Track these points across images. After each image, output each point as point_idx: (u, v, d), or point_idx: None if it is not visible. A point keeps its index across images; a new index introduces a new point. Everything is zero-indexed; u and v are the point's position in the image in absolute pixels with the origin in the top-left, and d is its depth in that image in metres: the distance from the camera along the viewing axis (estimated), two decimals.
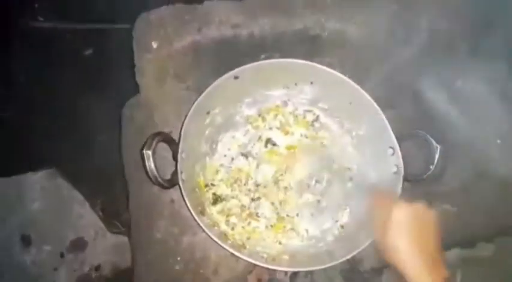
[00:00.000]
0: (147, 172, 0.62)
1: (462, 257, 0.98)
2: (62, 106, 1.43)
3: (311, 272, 0.74)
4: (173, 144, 0.69)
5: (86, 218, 1.04)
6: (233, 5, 0.71)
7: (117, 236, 1.04)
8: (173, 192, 0.75)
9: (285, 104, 0.83)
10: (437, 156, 0.68)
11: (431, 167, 0.69)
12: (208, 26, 0.69)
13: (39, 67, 1.56)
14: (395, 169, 0.72)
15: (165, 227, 0.72)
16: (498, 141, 0.87)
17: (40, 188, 1.06)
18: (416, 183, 0.81)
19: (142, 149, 0.62)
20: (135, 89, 0.93)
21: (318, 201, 0.78)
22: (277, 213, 0.77)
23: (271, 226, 0.75)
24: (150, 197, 0.76)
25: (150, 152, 0.62)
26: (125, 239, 1.01)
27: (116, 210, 1.09)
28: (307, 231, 0.76)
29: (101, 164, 1.23)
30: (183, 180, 0.67)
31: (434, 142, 0.68)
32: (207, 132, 0.78)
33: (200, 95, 0.71)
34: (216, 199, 0.75)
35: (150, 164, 0.62)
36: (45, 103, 1.44)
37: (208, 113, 0.77)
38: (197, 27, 0.68)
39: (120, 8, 1.66)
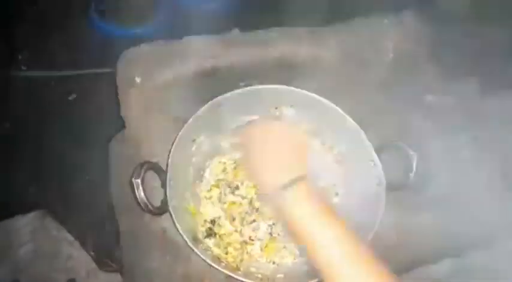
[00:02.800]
0: (137, 200, 0.64)
1: (454, 267, 0.99)
2: (48, 149, 1.45)
3: None
4: (161, 173, 0.71)
5: (76, 258, 1.03)
6: (211, 38, 0.76)
7: (110, 274, 1.03)
8: (164, 221, 0.75)
9: None
10: (415, 163, 0.71)
11: (410, 174, 0.72)
12: (187, 59, 0.73)
13: (24, 114, 1.58)
14: (377, 180, 0.75)
15: (158, 256, 0.72)
16: (472, 149, 0.91)
17: (29, 231, 1.05)
18: (402, 194, 0.84)
19: (131, 178, 0.64)
20: (121, 126, 0.96)
21: None
22: (270, 234, 0.78)
23: (265, 247, 0.76)
24: (141, 229, 0.76)
25: (139, 181, 0.64)
26: (118, 276, 1.00)
27: (107, 248, 1.08)
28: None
29: (89, 203, 1.23)
30: (173, 207, 0.68)
31: (410, 151, 0.72)
32: (193, 159, 0.80)
33: (185, 124, 0.75)
34: (210, 232, 0.76)
35: (140, 193, 0.64)
36: (30, 147, 1.45)
37: (193, 141, 0.79)
38: (178, 60, 0.72)
39: (104, 53, 1.73)
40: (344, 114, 0.79)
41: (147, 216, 0.77)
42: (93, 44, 1.67)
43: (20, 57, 1.77)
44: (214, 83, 0.76)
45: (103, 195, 1.04)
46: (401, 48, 0.86)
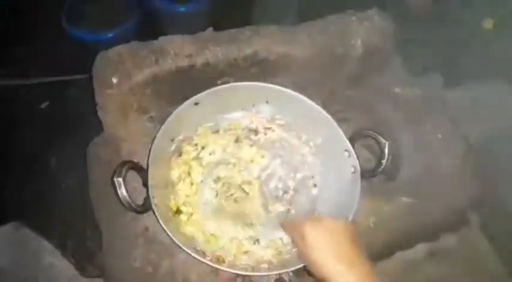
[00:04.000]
0: (119, 199, 0.64)
1: (429, 251, 1.03)
2: (22, 158, 1.42)
3: None
4: (142, 172, 0.72)
5: (57, 266, 1.01)
6: (186, 38, 0.78)
7: (92, 279, 1.01)
8: (146, 220, 0.76)
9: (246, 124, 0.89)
10: (387, 151, 0.75)
11: (383, 162, 0.75)
12: (164, 58, 0.74)
13: None
14: (352, 170, 0.79)
15: (141, 255, 0.72)
16: (439, 135, 0.96)
17: (7, 243, 1.02)
18: (376, 181, 0.88)
19: (112, 177, 0.65)
20: (97, 130, 0.96)
21: (288, 210, 0.82)
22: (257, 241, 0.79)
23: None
24: (123, 229, 0.77)
25: (121, 179, 0.64)
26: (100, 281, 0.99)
27: (88, 254, 1.07)
28: (281, 239, 0.79)
29: (68, 210, 1.22)
30: (155, 205, 0.69)
31: (382, 139, 0.75)
32: (173, 158, 0.81)
33: (163, 123, 0.76)
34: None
35: (122, 191, 0.64)
36: (3, 157, 1.42)
37: (172, 140, 0.80)
38: (154, 60, 0.74)
39: (76, 60, 1.71)
40: (318, 107, 0.82)
41: (128, 216, 0.77)
42: (65, 50, 1.65)
43: None
44: (191, 81, 0.78)
45: (82, 201, 1.03)
46: (370, 43, 0.90)
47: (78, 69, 1.68)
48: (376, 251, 0.88)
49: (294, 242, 0.70)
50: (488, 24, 1.37)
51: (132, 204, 0.65)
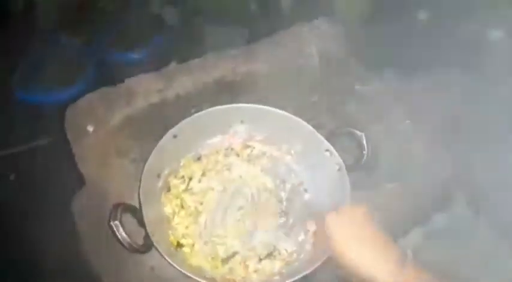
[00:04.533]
0: (120, 242, 0.63)
1: (423, 234, 1.06)
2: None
3: None
4: (136, 212, 0.71)
5: None
6: (152, 75, 0.80)
7: None
8: (149, 260, 0.74)
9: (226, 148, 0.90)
10: (364, 142, 0.79)
11: (364, 152, 0.79)
12: (134, 99, 0.76)
13: None
14: (337, 167, 0.82)
15: None
16: (407, 121, 1.02)
17: None
18: (359, 176, 0.91)
19: (109, 222, 0.64)
20: (72, 189, 0.94)
21: (285, 220, 0.83)
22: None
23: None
24: (129, 275, 0.75)
25: (117, 222, 0.64)
26: None
27: None
28: (286, 250, 0.80)
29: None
30: (157, 242, 0.68)
31: (358, 132, 0.79)
32: (163, 194, 0.81)
33: (146, 162, 0.76)
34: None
35: (121, 233, 0.63)
36: None
37: (158, 175, 0.80)
38: (125, 101, 0.75)
39: (35, 125, 1.68)
40: (291, 116, 0.85)
41: (131, 261, 0.76)
42: (20, 117, 1.61)
43: None
44: (166, 115, 0.79)
45: (74, 264, 1.00)
46: (324, 50, 0.95)
47: (39, 134, 1.66)
48: None
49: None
50: (422, 14, 1.49)
51: (134, 245, 0.64)
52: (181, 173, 0.84)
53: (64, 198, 1.13)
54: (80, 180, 0.92)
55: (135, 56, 1.69)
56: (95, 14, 1.66)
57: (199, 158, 0.87)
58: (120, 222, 0.64)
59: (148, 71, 0.85)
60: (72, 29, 1.70)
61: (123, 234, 0.63)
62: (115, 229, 0.63)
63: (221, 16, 1.81)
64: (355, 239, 0.59)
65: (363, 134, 0.79)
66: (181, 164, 0.85)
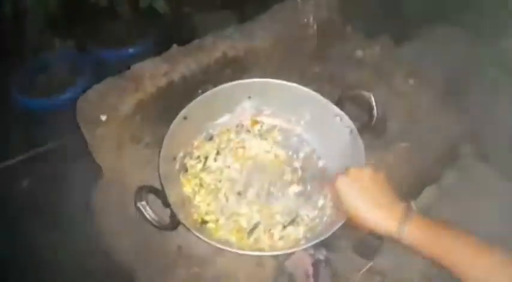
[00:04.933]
0: (149, 221, 0.65)
1: (434, 193, 1.08)
2: (22, 242, 1.38)
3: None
4: (159, 193, 0.72)
5: None
6: (156, 59, 0.80)
7: None
8: (176, 239, 0.76)
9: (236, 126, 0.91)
10: (373, 101, 0.80)
11: (373, 112, 0.80)
12: (142, 83, 0.77)
13: None
14: (348, 130, 0.83)
15: (184, 272, 0.72)
16: (411, 82, 1.03)
17: None
18: (370, 139, 0.92)
19: (135, 204, 0.65)
20: (89, 187, 0.96)
21: (303, 188, 0.85)
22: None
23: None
24: (157, 256, 0.77)
25: (144, 203, 0.65)
26: None
27: None
28: (307, 216, 0.81)
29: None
30: (183, 218, 0.70)
31: (366, 93, 0.80)
32: (181, 175, 0.83)
33: (161, 146, 0.77)
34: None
35: (149, 213, 0.65)
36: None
37: (174, 158, 0.82)
38: (134, 87, 0.75)
39: (39, 131, 1.68)
40: (297, 85, 0.86)
41: (157, 242, 0.78)
42: (26, 124, 1.63)
43: None
44: (174, 98, 0.80)
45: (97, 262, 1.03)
46: (320, 18, 0.96)
47: (44, 139, 1.67)
48: None
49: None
50: None
51: (162, 222, 0.66)
52: (196, 153, 0.86)
53: (79, 198, 1.15)
54: (94, 177, 0.95)
55: (131, 50, 1.70)
56: (86, 14, 1.67)
57: (211, 138, 0.88)
58: (147, 202, 0.65)
59: None
60: (65, 31, 1.70)
61: (151, 213, 0.64)
62: (142, 209, 0.64)
63: (211, 2, 1.82)
64: (362, 198, 0.63)
65: (371, 94, 0.79)
66: (195, 145, 0.86)
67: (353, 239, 0.88)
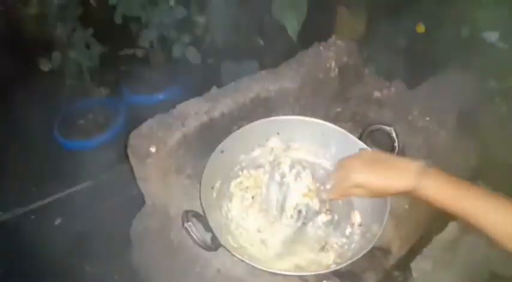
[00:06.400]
0: (195, 240, 0.71)
1: (460, 228, 1.11)
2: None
3: None
4: (201, 218, 0.79)
5: None
6: (198, 99, 0.91)
7: None
8: (215, 263, 0.82)
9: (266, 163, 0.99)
10: (394, 135, 0.88)
11: (395, 145, 0.88)
12: (188, 120, 0.86)
13: (14, 257, 1.55)
14: None
15: None
16: (427, 118, 1.11)
17: None
18: None
19: (183, 225, 0.72)
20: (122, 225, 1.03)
21: (331, 217, 0.91)
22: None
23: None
24: (198, 279, 0.82)
25: (190, 223, 0.72)
26: None
27: None
28: (336, 243, 0.87)
29: None
30: (223, 240, 0.76)
31: (387, 127, 0.89)
32: (218, 203, 0.90)
33: (201, 177, 0.85)
34: None
35: (196, 233, 0.72)
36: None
37: (212, 187, 0.89)
38: (180, 123, 0.85)
39: (75, 170, 1.79)
40: (322, 122, 0.95)
41: (197, 265, 0.83)
42: (62, 164, 1.74)
43: None
44: (213, 133, 0.89)
45: None
46: (341, 62, 1.07)
47: (79, 178, 1.77)
48: (416, 228, 0.96)
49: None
50: (420, 28, 1.62)
51: (207, 242, 0.72)
52: (234, 183, 0.93)
53: (111, 236, 1.22)
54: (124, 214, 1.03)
55: (161, 96, 1.84)
56: (123, 63, 1.83)
57: (255, 168, 0.96)
58: (193, 223, 0.72)
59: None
60: (103, 79, 1.85)
61: (197, 233, 0.71)
62: (189, 229, 0.71)
63: (234, 53, 1.98)
64: (377, 166, 0.70)
65: (392, 128, 0.87)
66: (239, 178, 0.94)
67: (378, 272, 0.91)
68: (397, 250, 0.92)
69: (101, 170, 1.75)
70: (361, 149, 0.89)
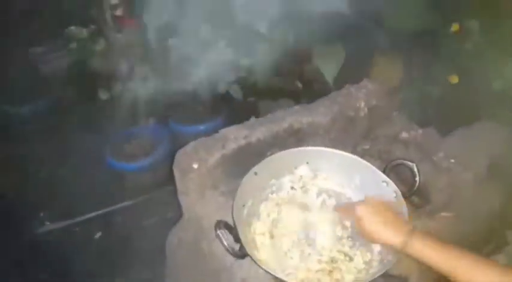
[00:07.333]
0: (225, 247, 0.80)
1: None
2: None
3: None
4: (231, 229, 0.88)
5: None
6: (239, 126, 1.03)
7: None
8: (239, 273, 0.89)
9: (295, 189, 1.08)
10: (416, 170, 0.94)
11: (416, 179, 0.94)
12: (228, 143, 0.98)
13: (57, 264, 1.68)
14: (394, 195, 0.96)
15: None
16: (452, 160, 1.16)
17: None
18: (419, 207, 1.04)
19: (216, 232, 0.81)
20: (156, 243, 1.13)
21: (353, 244, 0.96)
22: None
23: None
24: None
25: (223, 231, 0.81)
26: None
27: None
28: (356, 268, 0.92)
29: None
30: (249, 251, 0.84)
31: (409, 162, 0.96)
32: (247, 220, 0.98)
33: (234, 195, 0.95)
34: None
35: (227, 239, 0.81)
36: None
37: (243, 205, 0.98)
38: (221, 145, 0.97)
39: (118, 188, 1.95)
40: (349, 154, 1.03)
41: (224, 275, 0.91)
42: (109, 182, 1.90)
43: (41, 214, 1.94)
44: (249, 156, 1.00)
45: None
46: (370, 103, 1.16)
47: (118, 198, 1.92)
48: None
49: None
50: (454, 79, 1.70)
51: (235, 250, 0.81)
52: (264, 205, 1.02)
53: (144, 251, 1.32)
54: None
55: (202, 127, 2.00)
56: (167, 98, 2.03)
57: (271, 194, 1.05)
58: (225, 231, 0.81)
59: None
60: (149, 109, 2.05)
61: (229, 239, 0.80)
62: (221, 236, 0.80)
63: (274, 94, 2.14)
64: (376, 220, 0.85)
65: (414, 164, 0.94)
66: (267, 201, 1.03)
67: None
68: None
69: (141, 191, 1.90)
70: (383, 182, 0.97)
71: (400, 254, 0.81)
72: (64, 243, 1.78)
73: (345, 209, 0.97)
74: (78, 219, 1.89)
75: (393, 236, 0.81)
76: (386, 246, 0.85)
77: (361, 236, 0.90)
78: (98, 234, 1.83)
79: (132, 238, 1.75)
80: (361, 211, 0.87)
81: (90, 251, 1.75)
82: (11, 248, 1.72)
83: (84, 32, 2.08)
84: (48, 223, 1.89)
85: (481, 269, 0.71)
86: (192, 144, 0.99)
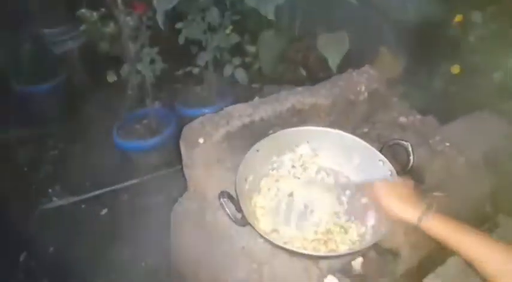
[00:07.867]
0: (228, 214, 0.86)
1: None
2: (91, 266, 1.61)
3: None
4: (234, 200, 0.93)
5: None
6: (244, 104, 1.08)
7: None
8: (239, 242, 0.94)
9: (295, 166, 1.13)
10: (411, 149, 0.99)
11: (410, 158, 0.99)
12: (232, 120, 1.03)
13: (64, 238, 1.75)
14: (389, 173, 1.01)
15: (245, 267, 0.90)
16: (447, 144, 1.21)
17: None
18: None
19: (220, 200, 0.87)
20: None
21: (348, 218, 1.02)
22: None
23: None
24: (225, 254, 0.95)
25: (226, 199, 0.87)
26: None
27: None
28: (350, 240, 0.97)
29: None
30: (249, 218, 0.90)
31: (404, 142, 1.00)
32: (249, 194, 1.04)
33: (237, 170, 1.00)
34: None
35: (230, 207, 0.86)
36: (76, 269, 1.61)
37: (245, 180, 1.04)
38: (226, 122, 1.02)
39: (124, 168, 2.01)
40: (348, 134, 1.08)
41: (225, 243, 0.96)
42: (117, 161, 1.97)
43: (50, 191, 2.01)
44: (252, 133, 1.05)
45: None
46: (371, 88, 1.21)
47: (125, 177, 1.99)
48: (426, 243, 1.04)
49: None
50: (455, 69, 1.73)
51: (237, 217, 0.86)
52: (271, 182, 1.07)
53: (154, 228, 1.38)
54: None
55: (207, 110, 2.04)
56: (178, 79, 2.07)
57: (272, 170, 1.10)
58: (228, 200, 0.87)
59: None
60: (157, 91, 2.10)
61: (231, 207, 0.85)
62: (224, 204, 0.86)
63: (278, 80, 2.18)
64: (395, 197, 0.89)
65: (408, 144, 0.99)
66: (267, 178, 1.08)
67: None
68: (408, 257, 1.00)
69: (148, 170, 1.96)
70: (380, 160, 1.02)
71: (416, 229, 0.85)
72: (71, 218, 1.85)
73: (366, 186, 1.01)
74: (85, 196, 1.95)
75: (409, 212, 0.85)
76: (402, 222, 0.88)
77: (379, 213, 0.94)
78: (104, 211, 1.90)
79: (137, 215, 1.82)
80: (380, 187, 0.92)
81: (97, 226, 1.82)
82: (21, 221, 1.79)
83: (94, 15, 2.12)
84: (55, 199, 1.96)
85: (489, 247, 0.75)
86: (198, 119, 1.04)
